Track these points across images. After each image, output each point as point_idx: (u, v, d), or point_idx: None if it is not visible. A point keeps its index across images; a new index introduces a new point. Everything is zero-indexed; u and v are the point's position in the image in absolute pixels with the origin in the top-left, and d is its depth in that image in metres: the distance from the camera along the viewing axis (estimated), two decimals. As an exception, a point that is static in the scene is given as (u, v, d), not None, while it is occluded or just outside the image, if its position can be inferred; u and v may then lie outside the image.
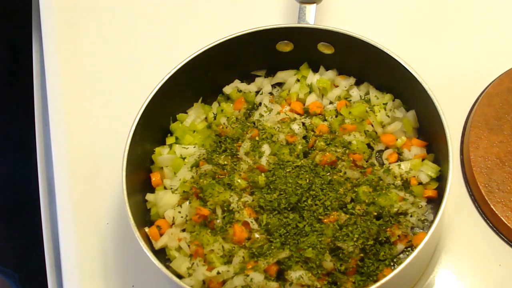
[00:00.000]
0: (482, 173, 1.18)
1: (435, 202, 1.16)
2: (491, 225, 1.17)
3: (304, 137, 1.20)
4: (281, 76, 1.31)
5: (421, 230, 1.14)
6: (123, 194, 1.06)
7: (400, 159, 1.21)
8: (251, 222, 1.08)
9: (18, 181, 1.74)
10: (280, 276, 1.06)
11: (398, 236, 1.10)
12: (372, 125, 1.21)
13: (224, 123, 1.24)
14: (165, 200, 1.16)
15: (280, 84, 1.32)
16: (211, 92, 1.30)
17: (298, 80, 1.28)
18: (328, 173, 1.12)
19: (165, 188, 1.20)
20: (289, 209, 1.10)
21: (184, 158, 1.22)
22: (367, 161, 1.17)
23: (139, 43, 1.47)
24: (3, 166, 1.84)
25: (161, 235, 1.13)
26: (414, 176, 1.16)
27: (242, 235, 1.07)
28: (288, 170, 1.12)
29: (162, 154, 1.22)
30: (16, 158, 1.82)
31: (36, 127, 1.45)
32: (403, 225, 1.11)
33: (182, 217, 1.13)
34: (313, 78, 1.27)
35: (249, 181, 1.13)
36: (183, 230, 1.14)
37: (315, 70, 1.29)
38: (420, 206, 1.14)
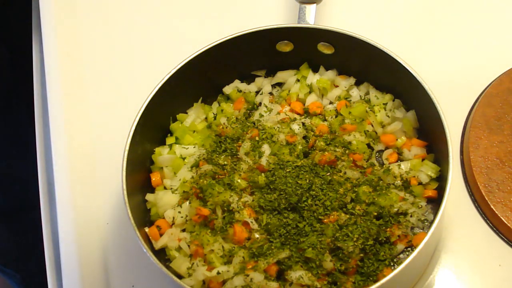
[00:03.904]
0: (482, 173, 1.18)
1: (435, 202, 1.16)
2: (491, 225, 1.17)
3: (304, 137, 1.20)
4: (281, 76, 1.31)
5: (421, 230, 1.14)
6: (123, 194, 1.06)
7: (400, 159, 1.21)
8: (251, 222, 1.08)
9: (20, 182, 1.74)
10: (280, 276, 1.07)
11: (398, 236, 1.10)
12: (372, 125, 1.21)
13: (224, 123, 1.24)
14: (165, 200, 1.16)
15: (280, 84, 1.32)
16: (211, 92, 1.30)
17: (298, 80, 1.28)
18: (328, 173, 1.12)
19: (165, 188, 1.20)
20: (289, 209, 1.10)
21: (184, 158, 1.22)
22: (367, 161, 1.17)
23: (139, 43, 1.47)
24: (3, 166, 1.84)
25: (161, 235, 1.13)
26: (414, 176, 1.16)
27: (242, 235, 1.07)
28: (288, 170, 1.12)
29: (162, 154, 1.22)
30: (17, 158, 1.82)
31: (36, 127, 1.45)
32: (403, 225, 1.11)
33: (182, 217, 1.13)
34: (313, 78, 1.27)
35: (249, 181, 1.13)
36: (183, 230, 1.14)
37: (315, 70, 1.29)
38: (420, 206, 1.14)
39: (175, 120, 1.26)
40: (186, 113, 1.28)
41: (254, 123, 1.23)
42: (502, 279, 1.14)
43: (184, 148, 1.22)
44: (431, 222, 1.02)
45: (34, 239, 1.33)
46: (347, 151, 1.16)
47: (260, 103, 1.28)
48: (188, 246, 1.11)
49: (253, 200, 1.11)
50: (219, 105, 1.29)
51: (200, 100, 1.29)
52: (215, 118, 1.27)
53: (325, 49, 1.24)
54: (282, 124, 1.21)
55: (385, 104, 1.23)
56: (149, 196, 1.18)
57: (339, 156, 1.14)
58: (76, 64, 1.45)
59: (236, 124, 1.23)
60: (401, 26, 1.41)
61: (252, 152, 1.16)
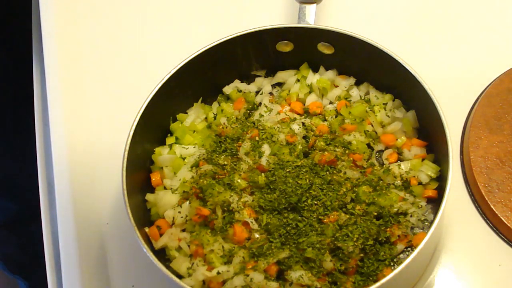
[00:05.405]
0: (482, 173, 1.18)
1: (435, 202, 1.16)
2: (491, 225, 1.17)
3: (304, 137, 1.20)
4: (281, 76, 1.31)
5: (421, 230, 1.14)
6: (123, 194, 1.06)
7: (400, 159, 1.21)
8: (251, 222, 1.08)
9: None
10: (280, 276, 1.06)
11: (398, 236, 1.10)
12: (372, 125, 1.21)
13: (224, 123, 1.24)
14: (165, 200, 1.16)
15: (280, 84, 1.32)
16: (211, 92, 1.30)
17: (298, 80, 1.28)
18: (328, 173, 1.12)
19: (165, 188, 1.20)
20: (289, 209, 1.10)
21: (184, 158, 1.22)
22: (367, 161, 1.17)
23: (139, 43, 1.47)
24: (4, 168, 1.84)
25: (161, 235, 1.13)
26: (414, 176, 1.16)
27: (242, 235, 1.07)
28: (288, 170, 1.12)
29: (162, 154, 1.22)
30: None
31: (36, 127, 1.45)
32: (403, 225, 1.11)
33: (182, 217, 1.13)
34: (313, 78, 1.27)
35: (249, 181, 1.13)
36: (183, 230, 1.14)
37: (315, 70, 1.29)
38: (420, 206, 1.14)
39: (175, 120, 1.26)
40: (186, 113, 1.28)
41: (254, 123, 1.23)
42: (502, 279, 1.14)
43: (184, 148, 1.22)
44: (431, 222, 1.02)
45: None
46: (347, 151, 1.16)
47: (260, 103, 1.28)
48: (188, 246, 1.11)
49: (253, 200, 1.11)
50: (219, 105, 1.29)
51: (200, 100, 1.29)
52: (215, 118, 1.27)
53: (325, 49, 1.24)
54: (282, 124, 1.21)
55: (385, 104, 1.23)
56: (149, 196, 1.18)
57: (339, 156, 1.14)
58: (76, 65, 1.45)
59: (236, 124, 1.23)
60: (401, 26, 1.41)
61: (252, 152, 1.16)
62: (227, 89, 1.30)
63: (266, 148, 1.16)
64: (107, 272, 1.22)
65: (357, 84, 1.27)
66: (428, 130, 1.19)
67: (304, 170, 1.12)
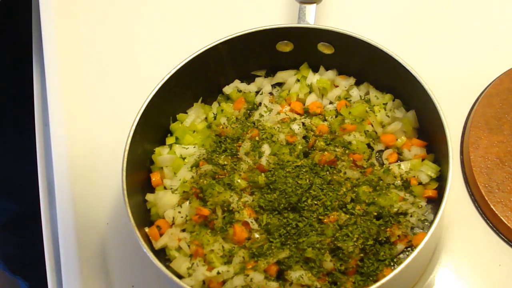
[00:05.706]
0: (482, 173, 1.18)
1: (435, 202, 1.16)
2: (491, 225, 1.17)
3: (304, 137, 1.20)
4: (281, 76, 1.31)
5: (421, 230, 1.14)
6: (123, 194, 1.06)
7: (400, 159, 1.21)
8: (251, 222, 1.08)
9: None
10: (280, 276, 1.07)
11: (398, 236, 1.10)
12: (372, 125, 1.21)
13: (224, 123, 1.24)
14: (165, 200, 1.16)
15: (280, 84, 1.32)
16: (211, 92, 1.30)
17: (298, 80, 1.28)
18: (328, 173, 1.12)
19: (165, 188, 1.20)
20: (289, 209, 1.10)
21: (184, 158, 1.22)
22: (367, 161, 1.17)
23: (139, 43, 1.47)
24: (4, 168, 1.84)
25: (161, 235, 1.13)
26: (414, 176, 1.16)
27: (242, 235, 1.07)
28: (288, 170, 1.12)
29: (162, 154, 1.22)
30: (17, 159, 1.82)
31: (36, 127, 1.45)
32: (403, 225, 1.11)
33: (182, 217, 1.13)
34: (313, 78, 1.27)
35: (249, 181, 1.13)
36: (183, 230, 1.14)
37: (315, 70, 1.29)
38: (420, 206, 1.14)
39: (175, 120, 1.26)
40: (186, 113, 1.28)
41: (254, 123, 1.23)
42: (502, 279, 1.14)
43: (184, 148, 1.22)
44: (431, 222, 1.02)
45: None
46: (347, 151, 1.16)
47: (260, 103, 1.28)
48: (188, 246, 1.11)
49: (253, 200, 1.11)
50: (219, 105, 1.29)
51: (200, 100, 1.29)
52: (215, 118, 1.27)
53: (325, 49, 1.24)
54: (282, 124, 1.21)
55: (385, 104, 1.23)
56: (149, 196, 1.18)
57: (339, 156, 1.14)
58: (76, 65, 1.45)
59: (236, 124, 1.23)
60: (401, 26, 1.41)
61: (252, 152, 1.16)
62: (227, 89, 1.30)
63: (266, 148, 1.16)
64: (107, 272, 1.22)
65: (357, 84, 1.27)
66: (428, 130, 1.19)
67: (304, 170, 1.12)
